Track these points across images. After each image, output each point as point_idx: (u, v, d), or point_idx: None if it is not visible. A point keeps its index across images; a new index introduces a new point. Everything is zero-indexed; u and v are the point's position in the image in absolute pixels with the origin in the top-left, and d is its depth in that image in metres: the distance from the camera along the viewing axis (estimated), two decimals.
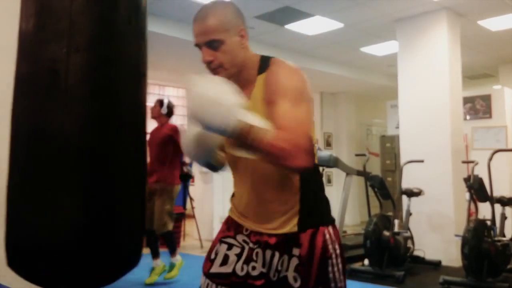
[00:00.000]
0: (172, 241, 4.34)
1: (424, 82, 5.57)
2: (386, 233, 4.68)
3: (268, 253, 1.42)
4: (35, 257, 0.99)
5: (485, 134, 6.64)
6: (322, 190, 1.50)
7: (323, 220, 1.45)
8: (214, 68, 1.37)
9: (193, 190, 7.15)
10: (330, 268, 1.42)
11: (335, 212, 6.61)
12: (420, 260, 5.12)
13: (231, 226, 1.51)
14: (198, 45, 1.38)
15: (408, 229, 4.95)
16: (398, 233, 4.71)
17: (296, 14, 5.60)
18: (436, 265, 5.10)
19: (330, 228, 1.44)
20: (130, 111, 1.12)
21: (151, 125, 3.54)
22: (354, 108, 9.78)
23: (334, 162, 5.35)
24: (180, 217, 6.33)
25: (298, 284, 1.39)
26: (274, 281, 1.42)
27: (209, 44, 1.35)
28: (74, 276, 0.99)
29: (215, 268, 1.47)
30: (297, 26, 6.03)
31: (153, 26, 5.02)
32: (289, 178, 1.40)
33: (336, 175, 9.03)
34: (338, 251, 1.44)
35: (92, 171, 1.00)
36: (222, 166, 1.55)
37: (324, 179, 8.77)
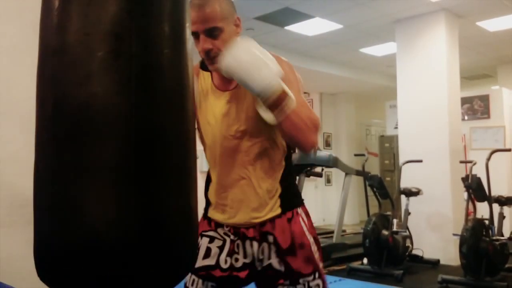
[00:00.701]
0: None
1: (422, 83, 5.61)
2: (385, 232, 4.71)
3: (248, 243, 1.44)
4: (71, 263, 0.86)
5: (483, 134, 6.68)
6: (292, 174, 1.55)
7: (296, 202, 1.50)
8: (214, 57, 1.35)
9: None
10: (312, 248, 1.46)
11: (334, 211, 6.65)
12: (418, 259, 5.15)
13: (211, 221, 1.51)
14: (194, 33, 1.34)
15: (407, 228, 4.98)
16: (396, 232, 4.75)
17: (296, 15, 5.64)
18: (434, 264, 5.14)
19: (303, 211, 1.50)
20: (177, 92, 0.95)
21: None
22: (353, 109, 9.81)
23: (333, 162, 5.38)
24: None
25: (283, 268, 1.42)
26: (260, 270, 1.44)
27: (209, 31, 1.33)
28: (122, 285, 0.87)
29: (198, 262, 1.44)
30: (297, 27, 6.06)
31: None
32: (272, 160, 1.44)
33: (335, 175, 9.07)
34: (313, 236, 1.49)
35: (145, 159, 0.86)
36: None
37: (324, 179, 8.83)
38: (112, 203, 0.85)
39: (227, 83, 1.43)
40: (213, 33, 1.33)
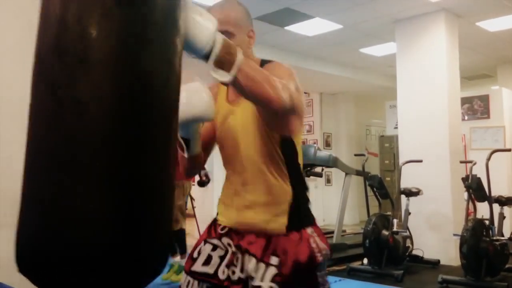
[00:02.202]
0: (183, 240, 4.29)
1: (422, 83, 5.61)
2: (385, 232, 4.71)
3: (246, 258, 1.41)
4: (47, 259, 0.90)
5: (483, 134, 6.69)
6: (307, 195, 1.50)
7: (308, 220, 1.45)
8: None
9: (193, 189, 7.18)
10: (318, 274, 1.41)
11: (334, 211, 6.64)
12: (418, 259, 5.16)
13: (217, 229, 1.51)
14: None
15: (407, 228, 4.98)
16: (397, 233, 4.75)
17: (296, 16, 5.65)
18: (434, 264, 5.14)
19: (314, 231, 1.44)
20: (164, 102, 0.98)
21: None
22: (353, 109, 9.82)
23: (333, 162, 5.39)
24: None
25: None
26: None
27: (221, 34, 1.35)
28: (93, 282, 0.90)
29: (197, 267, 1.46)
30: (297, 27, 6.07)
31: None
32: (279, 182, 1.42)
33: (335, 175, 9.07)
34: (324, 253, 1.43)
35: (125, 158, 0.88)
36: (195, 155, 1.47)
37: (324, 179, 8.83)
38: (88, 201, 0.88)
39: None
40: (224, 36, 1.33)
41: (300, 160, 1.49)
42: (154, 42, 0.91)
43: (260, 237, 1.41)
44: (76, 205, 0.88)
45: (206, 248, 1.49)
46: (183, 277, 1.50)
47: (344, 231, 6.76)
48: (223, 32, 1.30)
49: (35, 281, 0.96)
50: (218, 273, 1.43)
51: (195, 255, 1.50)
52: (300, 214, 1.44)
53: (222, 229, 1.49)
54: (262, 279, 1.36)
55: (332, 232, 5.91)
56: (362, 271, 4.78)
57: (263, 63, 1.46)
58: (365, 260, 4.92)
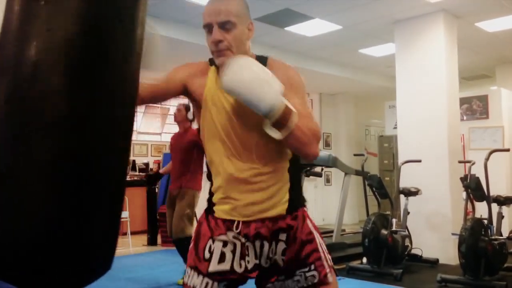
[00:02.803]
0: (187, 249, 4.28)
1: (421, 83, 5.63)
2: (384, 231, 4.73)
3: (258, 243, 1.46)
4: (9, 255, 0.93)
5: (482, 134, 6.71)
6: (299, 174, 1.63)
7: (302, 202, 1.56)
8: (222, 50, 1.40)
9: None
10: (319, 247, 1.50)
11: (334, 211, 6.65)
12: (417, 259, 5.17)
13: (219, 224, 1.49)
14: (208, 26, 1.40)
15: (406, 227, 5.00)
16: (396, 232, 4.77)
17: (296, 16, 5.67)
18: (433, 263, 5.15)
19: (306, 211, 1.55)
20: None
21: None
22: (352, 109, 9.84)
23: (333, 162, 5.41)
24: None
25: (283, 264, 1.47)
26: (266, 267, 1.48)
27: (222, 24, 1.38)
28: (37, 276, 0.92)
29: (213, 267, 1.45)
30: (296, 28, 6.09)
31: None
32: (284, 166, 1.49)
33: (335, 174, 9.09)
34: (319, 233, 1.55)
35: (69, 159, 0.90)
36: None
37: (323, 179, 8.85)
38: (44, 202, 0.91)
39: None
40: (225, 26, 1.38)
41: None
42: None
43: (265, 222, 1.46)
44: (15, 200, 0.91)
45: (217, 246, 1.47)
46: (197, 280, 1.46)
47: (344, 230, 6.78)
48: (226, 22, 1.38)
49: None
50: (235, 267, 1.45)
51: (206, 255, 1.47)
52: (298, 195, 1.53)
53: (224, 222, 1.48)
54: (275, 254, 1.46)
55: (332, 232, 5.94)
56: (361, 270, 4.80)
57: (259, 58, 1.47)
58: (364, 259, 4.94)
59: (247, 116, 1.39)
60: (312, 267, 1.46)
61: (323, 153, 5.51)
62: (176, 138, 4.37)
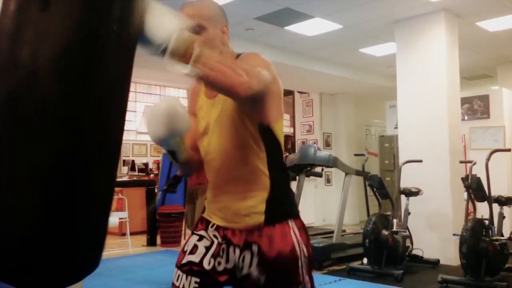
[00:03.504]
0: None
1: (422, 83, 5.62)
2: (385, 232, 4.72)
3: (231, 249, 1.44)
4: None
5: (483, 134, 6.69)
6: (289, 185, 1.54)
7: (288, 212, 1.46)
8: None
9: None
10: (300, 270, 1.41)
11: (334, 211, 6.62)
12: (418, 259, 5.16)
13: (203, 221, 1.54)
14: None
15: (407, 228, 4.99)
16: (396, 232, 4.76)
17: (296, 16, 5.65)
18: (434, 264, 5.14)
19: (295, 224, 1.44)
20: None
21: None
22: (353, 109, 9.82)
23: (333, 162, 5.38)
24: (181, 216, 6.38)
25: (262, 280, 1.39)
26: (239, 278, 1.43)
27: (192, 28, 1.35)
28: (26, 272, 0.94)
29: (184, 258, 1.48)
30: (297, 27, 6.07)
31: None
32: (258, 172, 1.42)
33: (335, 175, 9.07)
34: (305, 251, 1.43)
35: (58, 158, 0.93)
36: (185, 162, 1.50)
37: (324, 179, 8.83)
38: (31, 201, 0.91)
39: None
40: (195, 29, 1.37)
41: (282, 149, 1.51)
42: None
43: (236, 230, 1.44)
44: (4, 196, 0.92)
45: (192, 239, 1.51)
46: (174, 272, 1.50)
47: (344, 231, 6.76)
48: (196, 26, 1.37)
49: None
50: (204, 263, 1.45)
51: (185, 248, 1.52)
52: (280, 206, 1.44)
53: (208, 222, 1.52)
54: (249, 267, 1.40)
55: (332, 232, 5.91)
56: (362, 271, 4.79)
57: (239, 56, 1.47)
58: (365, 260, 4.93)
59: (220, 123, 1.43)
60: None
61: (324, 153, 5.49)
62: None
